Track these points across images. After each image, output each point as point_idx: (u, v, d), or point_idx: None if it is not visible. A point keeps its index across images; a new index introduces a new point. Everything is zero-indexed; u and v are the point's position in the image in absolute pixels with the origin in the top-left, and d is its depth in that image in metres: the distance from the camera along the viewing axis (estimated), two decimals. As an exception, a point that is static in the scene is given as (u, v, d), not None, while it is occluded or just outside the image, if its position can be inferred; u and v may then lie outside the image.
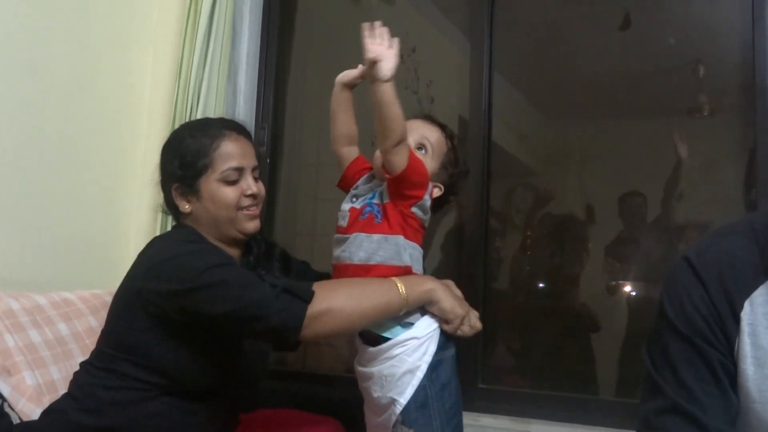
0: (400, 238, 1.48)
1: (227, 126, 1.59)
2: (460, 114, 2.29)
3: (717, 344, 0.98)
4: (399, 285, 1.41)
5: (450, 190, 1.61)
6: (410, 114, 2.40)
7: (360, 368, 1.53)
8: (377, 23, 1.46)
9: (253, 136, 1.67)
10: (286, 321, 1.31)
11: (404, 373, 1.44)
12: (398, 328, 1.46)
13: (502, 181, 2.27)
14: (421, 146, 1.54)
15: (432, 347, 1.47)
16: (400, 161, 1.43)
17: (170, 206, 1.61)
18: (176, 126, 2.29)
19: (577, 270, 2.28)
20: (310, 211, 2.69)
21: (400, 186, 1.46)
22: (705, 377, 0.98)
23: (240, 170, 1.53)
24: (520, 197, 2.37)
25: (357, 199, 1.54)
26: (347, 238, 1.50)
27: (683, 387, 0.98)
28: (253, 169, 1.57)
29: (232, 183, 1.52)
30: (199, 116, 2.28)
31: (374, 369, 1.48)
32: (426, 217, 1.53)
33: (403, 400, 1.44)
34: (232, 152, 1.53)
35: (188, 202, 1.54)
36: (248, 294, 1.34)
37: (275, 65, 2.57)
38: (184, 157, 1.54)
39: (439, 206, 1.62)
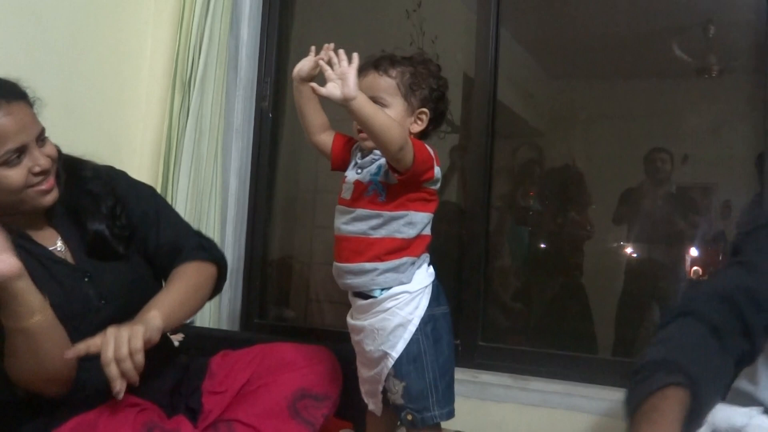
0: (406, 214, 1.46)
1: None
2: (465, 71, 2.26)
3: None
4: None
5: (436, 105, 1.55)
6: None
7: (352, 321, 1.53)
8: (327, 47, 1.43)
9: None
10: None
11: (396, 327, 1.45)
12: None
13: (505, 141, 2.25)
14: (377, 102, 1.47)
15: (424, 302, 1.48)
16: (406, 160, 1.40)
17: None
18: (177, 79, 2.31)
19: (580, 230, 2.28)
20: (312, 168, 2.67)
21: (412, 178, 1.44)
22: None
23: (22, 148, 1.32)
24: (524, 157, 2.36)
25: (362, 171, 1.52)
26: (352, 212, 1.48)
27: None
28: (38, 137, 1.36)
29: (16, 163, 1.32)
30: (200, 68, 2.25)
31: (366, 322, 1.48)
32: (437, 185, 1.52)
33: (395, 353, 1.45)
34: (6, 131, 1.30)
35: None
36: None
37: (278, 16, 2.52)
38: None
39: (437, 124, 1.59)
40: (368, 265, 1.46)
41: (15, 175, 1.32)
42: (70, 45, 2.22)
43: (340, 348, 1.67)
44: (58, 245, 1.46)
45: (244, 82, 2.41)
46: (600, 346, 2.15)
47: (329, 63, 1.39)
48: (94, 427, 1.29)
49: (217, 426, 1.51)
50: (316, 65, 1.48)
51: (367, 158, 1.52)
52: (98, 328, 1.31)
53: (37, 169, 1.35)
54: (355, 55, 1.37)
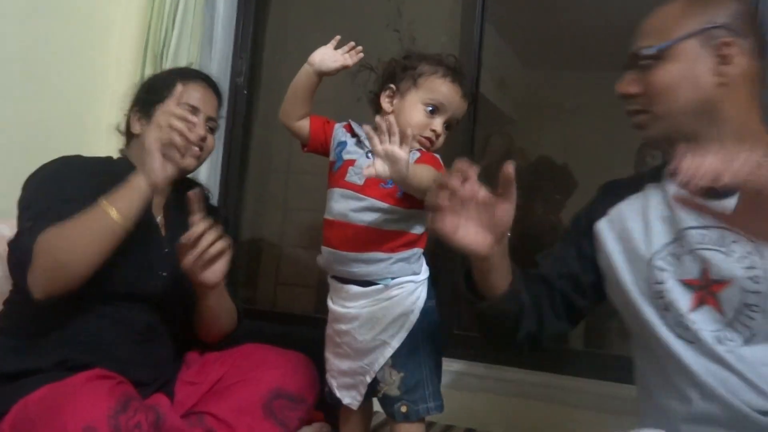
0: (420, 212, 1.42)
1: (201, 75, 1.69)
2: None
3: None
4: (109, 210, 1.37)
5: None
6: (389, 54, 2.39)
7: (341, 310, 1.47)
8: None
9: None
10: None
11: (399, 316, 1.42)
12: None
13: (483, 129, 2.22)
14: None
15: (424, 293, 1.46)
16: None
17: (126, 128, 1.65)
18: (149, 51, 2.23)
19: (554, 220, 2.27)
20: (285, 149, 2.61)
21: None
22: None
23: (195, 110, 1.59)
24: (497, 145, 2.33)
25: (372, 156, 1.45)
26: (364, 200, 1.43)
27: None
28: (208, 119, 1.63)
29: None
30: (174, 40, 2.18)
31: (364, 311, 1.43)
32: None
33: (395, 343, 1.42)
34: (194, 93, 1.61)
35: (140, 123, 1.59)
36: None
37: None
38: (152, 85, 1.65)
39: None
40: (382, 255, 1.42)
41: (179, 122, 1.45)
42: (32, 8, 2.11)
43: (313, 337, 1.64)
44: (159, 219, 1.60)
45: (219, 57, 2.33)
46: (572, 337, 2.14)
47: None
48: (68, 395, 1.23)
49: (189, 417, 1.48)
50: (342, 67, 1.50)
51: None
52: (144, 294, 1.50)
53: (198, 131, 1.54)
54: (409, 133, 1.28)
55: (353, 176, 1.46)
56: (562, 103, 2.27)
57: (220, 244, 1.43)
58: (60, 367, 1.37)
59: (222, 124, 2.33)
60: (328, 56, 1.50)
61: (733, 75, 1.12)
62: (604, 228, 1.26)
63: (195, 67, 2.20)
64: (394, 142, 1.25)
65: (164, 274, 1.54)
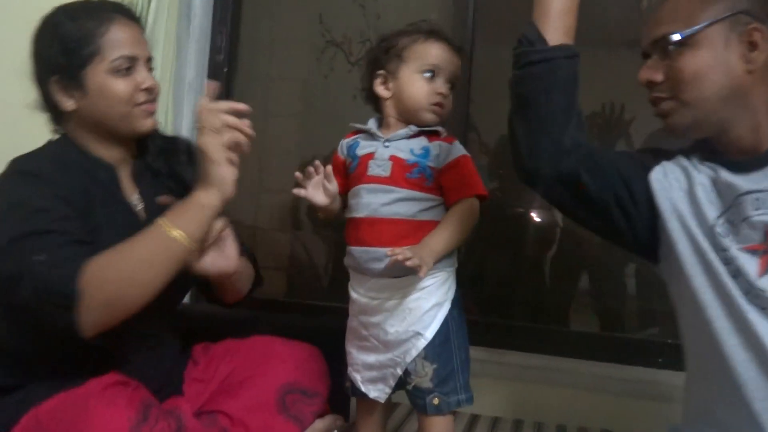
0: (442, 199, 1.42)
1: (114, 8, 1.37)
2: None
3: None
4: (172, 232, 1.20)
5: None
6: (354, 30, 2.37)
7: (367, 301, 1.42)
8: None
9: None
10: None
11: (432, 307, 1.38)
12: None
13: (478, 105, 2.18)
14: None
15: (454, 283, 1.43)
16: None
17: (48, 104, 1.35)
18: None
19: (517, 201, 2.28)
20: (260, 127, 2.53)
21: None
22: None
23: (133, 59, 1.32)
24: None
25: (390, 144, 1.43)
26: (395, 191, 1.38)
27: None
28: (148, 60, 1.37)
29: (125, 74, 1.31)
30: (151, 16, 2.04)
31: (394, 301, 1.39)
32: None
33: (429, 334, 1.38)
34: (123, 38, 1.32)
35: (71, 97, 1.32)
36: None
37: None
38: (66, 43, 1.30)
39: None
40: None
41: (124, 85, 1.31)
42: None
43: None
44: (135, 198, 1.41)
45: (198, 33, 2.21)
46: (573, 320, 2.16)
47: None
48: (84, 407, 1.14)
49: (200, 417, 1.40)
50: (332, 199, 1.44)
51: (400, 131, 1.43)
52: None
53: (145, 84, 1.33)
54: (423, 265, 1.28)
55: (376, 169, 1.41)
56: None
57: (217, 226, 1.27)
58: (69, 372, 1.26)
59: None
60: (311, 196, 1.45)
61: (762, 61, 1.11)
62: (655, 181, 1.18)
63: (171, 42, 2.09)
64: (407, 258, 1.26)
65: None
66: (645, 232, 1.20)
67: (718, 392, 1.11)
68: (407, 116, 1.45)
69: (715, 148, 1.16)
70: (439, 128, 1.45)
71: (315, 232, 2.51)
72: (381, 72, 1.47)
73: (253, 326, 1.69)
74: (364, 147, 1.46)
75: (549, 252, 2.28)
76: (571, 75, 1.19)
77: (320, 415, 1.54)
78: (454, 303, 1.41)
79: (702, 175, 1.15)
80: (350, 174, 1.47)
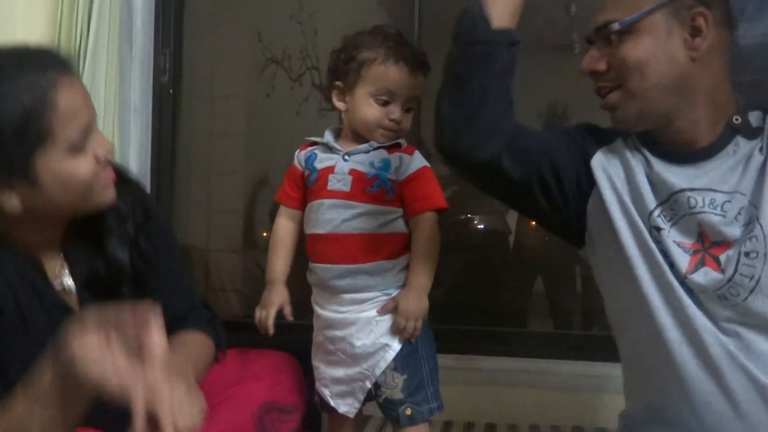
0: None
1: (53, 61, 1.04)
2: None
3: None
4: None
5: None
6: (294, 47, 2.36)
7: (332, 315, 1.41)
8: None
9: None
10: None
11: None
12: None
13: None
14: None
15: None
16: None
17: None
18: None
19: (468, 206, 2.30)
20: (206, 148, 2.50)
21: None
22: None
23: (88, 128, 1.04)
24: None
25: (349, 158, 1.42)
26: (356, 207, 1.38)
27: None
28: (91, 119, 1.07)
29: (82, 150, 1.03)
30: (91, 39, 1.98)
31: (362, 315, 1.38)
32: None
33: (397, 345, 1.38)
34: (76, 105, 1.02)
35: (17, 194, 1.01)
36: None
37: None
38: (2, 130, 0.97)
39: None
40: (388, 263, 1.38)
41: (84, 164, 1.02)
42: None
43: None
44: (64, 280, 1.15)
45: (141, 54, 2.17)
46: (532, 320, 2.18)
47: None
48: None
49: (177, 448, 1.34)
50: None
51: (361, 146, 1.42)
52: None
53: (101, 153, 1.05)
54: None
55: (336, 183, 1.40)
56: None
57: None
58: None
59: (147, 125, 2.22)
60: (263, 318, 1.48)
61: (705, 47, 1.09)
62: (597, 167, 1.16)
63: (114, 66, 2.03)
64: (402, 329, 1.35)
65: None
66: (571, 217, 1.18)
67: (660, 383, 1.12)
68: (358, 133, 1.44)
69: (652, 137, 1.16)
70: (400, 140, 1.44)
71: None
72: (338, 84, 1.44)
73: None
74: (323, 160, 1.44)
75: (502, 255, 2.32)
76: (509, 62, 1.15)
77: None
78: None
79: (639, 165, 1.14)
80: (309, 186, 1.45)
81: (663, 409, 1.13)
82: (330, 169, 1.41)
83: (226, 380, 1.44)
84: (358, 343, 1.38)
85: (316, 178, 1.43)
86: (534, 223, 2.20)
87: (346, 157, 1.41)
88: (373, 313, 1.38)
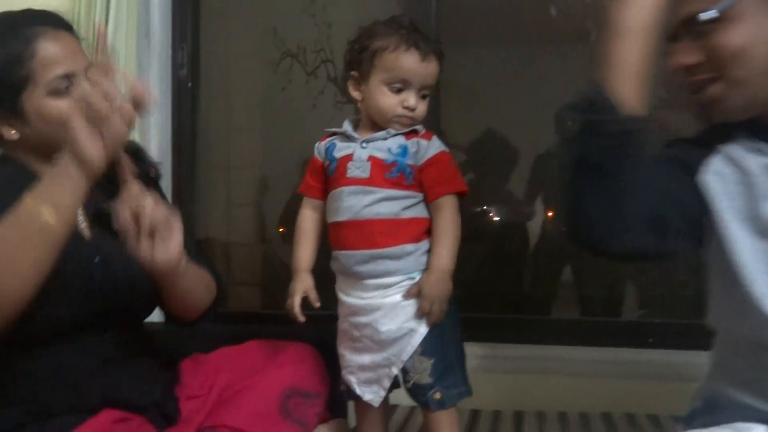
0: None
1: (40, 20, 1.23)
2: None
3: None
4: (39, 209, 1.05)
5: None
6: (308, 40, 2.37)
7: (357, 301, 1.41)
8: None
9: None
10: None
11: None
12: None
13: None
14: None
15: None
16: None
17: None
18: None
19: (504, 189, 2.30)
20: (224, 143, 2.52)
21: None
22: None
23: (71, 76, 1.19)
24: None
25: (368, 145, 1.41)
26: (376, 192, 1.37)
27: None
28: (86, 70, 1.19)
29: (65, 93, 1.18)
30: (109, 35, 1.99)
31: (386, 300, 1.38)
32: None
33: (423, 328, 1.37)
34: (56, 55, 1.19)
35: (11, 126, 1.21)
36: None
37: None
38: None
39: None
40: (410, 246, 1.37)
41: (65, 105, 1.15)
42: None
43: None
44: (79, 220, 1.26)
45: (158, 49, 2.19)
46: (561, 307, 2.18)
47: None
48: None
49: (202, 435, 1.35)
50: None
51: (378, 133, 1.41)
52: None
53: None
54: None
55: (355, 170, 1.40)
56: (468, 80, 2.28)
57: (163, 210, 1.12)
58: (45, 417, 1.17)
59: (168, 120, 2.23)
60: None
61: None
62: (710, 182, 1.07)
63: (132, 60, 2.05)
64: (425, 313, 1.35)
65: (105, 288, 1.25)
66: (694, 237, 1.09)
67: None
68: (375, 121, 1.44)
69: (759, 124, 1.07)
70: (417, 126, 1.44)
71: (289, 242, 2.49)
72: (353, 74, 1.44)
73: (241, 340, 1.64)
74: (342, 149, 1.44)
75: (527, 244, 2.31)
76: (648, 145, 1.04)
77: (322, 419, 1.51)
78: None
79: (753, 162, 1.05)
80: (329, 176, 1.45)
81: (755, 382, 1.08)
82: (348, 157, 1.41)
83: (248, 368, 1.46)
84: (383, 329, 1.37)
85: (336, 167, 1.43)
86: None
87: (364, 144, 1.41)
88: (398, 298, 1.37)
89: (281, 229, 2.50)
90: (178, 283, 1.28)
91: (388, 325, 1.37)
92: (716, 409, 1.09)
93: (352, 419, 1.59)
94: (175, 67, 2.25)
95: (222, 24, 2.46)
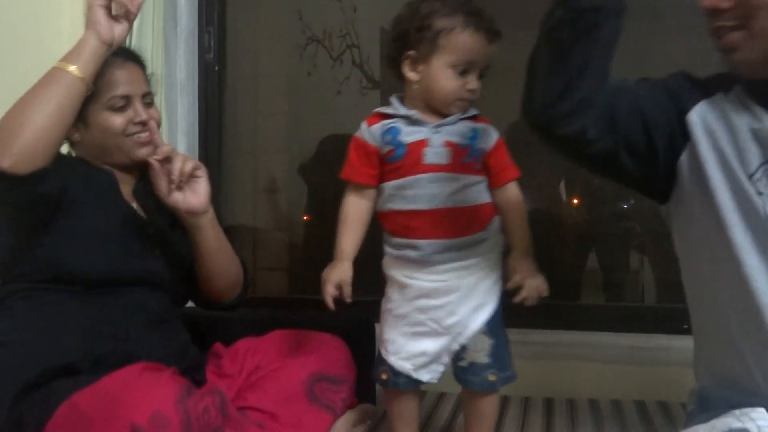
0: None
1: (124, 53, 1.53)
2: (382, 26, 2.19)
3: None
4: (65, 66, 1.35)
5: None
6: (334, 25, 2.34)
7: (428, 284, 1.37)
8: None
9: (141, 61, 1.58)
10: None
11: (495, 282, 1.40)
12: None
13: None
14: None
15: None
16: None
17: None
18: None
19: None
20: (251, 127, 2.50)
21: None
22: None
23: (127, 98, 1.47)
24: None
25: (440, 129, 1.36)
26: (459, 178, 1.35)
27: None
28: (144, 96, 1.51)
29: (120, 110, 1.46)
30: (136, 19, 1.97)
31: (463, 281, 1.36)
32: None
33: (490, 307, 1.38)
34: (118, 79, 1.47)
35: (77, 130, 1.47)
36: None
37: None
38: None
39: None
40: (483, 234, 1.38)
41: (117, 119, 1.46)
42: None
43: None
44: (133, 205, 1.53)
45: (185, 32, 2.18)
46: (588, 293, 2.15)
47: None
48: (127, 385, 1.17)
49: (230, 415, 1.39)
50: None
51: (448, 118, 1.37)
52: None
53: (137, 119, 1.47)
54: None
55: (433, 156, 1.35)
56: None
57: (191, 163, 1.45)
58: (90, 362, 1.31)
59: (194, 103, 2.22)
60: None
61: None
62: (696, 123, 1.10)
63: (159, 44, 2.05)
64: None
65: (157, 253, 1.50)
66: (658, 174, 1.14)
67: (740, 351, 1.09)
68: (431, 104, 1.38)
69: (759, 85, 1.07)
70: (475, 110, 1.41)
71: (316, 227, 2.48)
72: (411, 53, 1.36)
73: (267, 326, 1.65)
74: (411, 133, 1.37)
75: (555, 228, 2.28)
76: (615, 32, 1.07)
77: (349, 405, 1.53)
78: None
79: (743, 120, 1.07)
80: (393, 162, 1.38)
81: (740, 378, 1.09)
82: (423, 143, 1.35)
83: (275, 354, 1.52)
84: (459, 310, 1.36)
85: (406, 152, 1.36)
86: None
87: (437, 128, 1.37)
88: (474, 279, 1.37)
89: (306, 217, 2.49)
90: (210, 241, 1.50)
91: (466, 305, 1.36)
92: (710, 409, 1.10)
93: (380, 406, 1.59)
94: (202, 50, 2.24)
95: (248, 8, 2.44)
